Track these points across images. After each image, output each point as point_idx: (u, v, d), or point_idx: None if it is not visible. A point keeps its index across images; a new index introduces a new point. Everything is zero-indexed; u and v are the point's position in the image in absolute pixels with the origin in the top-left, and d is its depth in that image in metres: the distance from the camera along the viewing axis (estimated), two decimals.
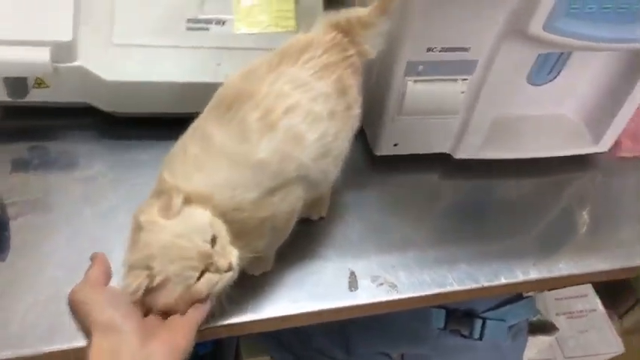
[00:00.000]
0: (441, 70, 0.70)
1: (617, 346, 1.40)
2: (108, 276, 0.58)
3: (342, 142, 0.63)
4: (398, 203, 0.78)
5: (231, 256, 0.55)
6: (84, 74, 0.71)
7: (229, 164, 0.56)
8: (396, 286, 0.70)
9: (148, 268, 0.53)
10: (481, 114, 0.75)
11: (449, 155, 0.80)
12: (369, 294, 0.69)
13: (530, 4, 0.61)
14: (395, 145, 0.77)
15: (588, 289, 1.48)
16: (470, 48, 0.68)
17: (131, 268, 0.54)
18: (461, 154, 0.80)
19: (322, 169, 0.61)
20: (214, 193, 0.55)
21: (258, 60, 0.61)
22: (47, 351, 0.60)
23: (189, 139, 0.58)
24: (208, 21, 0.76)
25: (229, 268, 0.54)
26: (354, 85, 0.63)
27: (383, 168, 0.80)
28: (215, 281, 0.54)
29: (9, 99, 0.72)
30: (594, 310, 1.46)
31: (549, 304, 1.45)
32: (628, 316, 1.45)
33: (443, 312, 0.92)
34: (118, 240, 0.67)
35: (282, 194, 0.58)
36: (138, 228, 0.55)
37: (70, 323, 0.61)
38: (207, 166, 0.56)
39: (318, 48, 0.61)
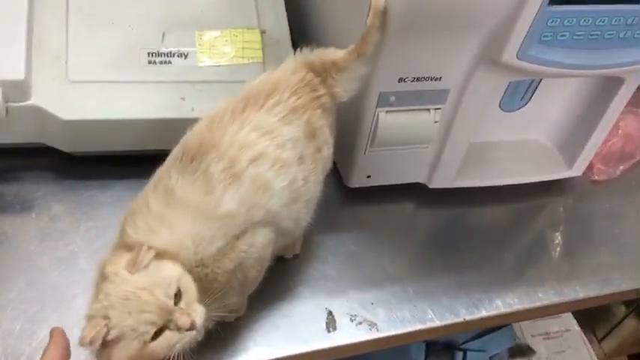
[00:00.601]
0: (413, 101, 0.68)
1: None
2: (67, 358, 0.54)
3: (313, 185, 0.60)
4: (373, 236, 0.76)
5: (195, 314, 0.51)
6: (39, 113, 0.67)
7: (193, 218, 0.53)
8: (375, 324, 0.67)
9: (106, 318, 0.49)
10: (454, 142, 0.73)
11: (423, 185, 0.78)
12: (348, 334, 0.66)
13: (502, 33, 0.60)
14: (368, 176, 0.75)
15: None
16: (442, 77, 0.67)
17: (90, 317, 0.50)
18: (435, 184, 0.78)
19: (293, 217, 0.59)
20: (179, 250, 0.52)
21: (222, 105, 0.59)
22: None
23: (151, 192, 0.55)
24: (170, 54, 0.73)
25: (191, 327, 0.50)
26: (324, 125, 0.61)
27: (356, 200, 0.77)
28: (174, 341, 0.50)
29: None
30: (569, 330, 1.46)
31: (524, 326, 1.44)
32: (607, 339, 1.44)
33: (423, 345, 0.89)
34: (79, 286, 0.64)
35: (247, 238, 0.55)
36: (102, 278, 0.51)
37: None
38: (171, 221, 0.53)
39: (286, 90, 0.59)
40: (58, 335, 0.54)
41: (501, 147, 0.83)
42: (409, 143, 0.72)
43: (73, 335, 0.59)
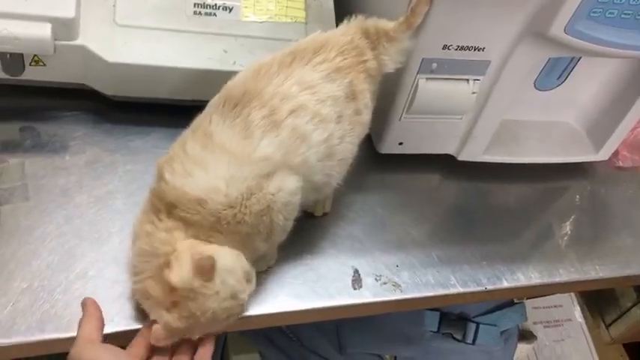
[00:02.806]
0: (454, 69, 0.69)
1: (592, 357, 1.42)
2: (101, 330, 0.55)
3: (348, 146, 0.62)
4: (400, 202, 0.77)
5: (253, 279, 0.58)
6: (85, 54, 0.68)
7: (229, 161, 0.55)
8: (399, 285, 0.69)
9: None
10: (488, 116, 0.74)
11: (451, 156, 0.80)
12: (373, 293, 0.68)
13: (552, 6, 0.61)
14: (400, 144, 0.76)
15: (565, 298, 1.50)
16: (485, 48, 0.67)
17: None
18: (464, 157, 0.79)
19: (326, 172, 0.61)
20: (210, 194, 0.54)
21: (270, 57, 0.60)
22: (37, 340, 0.57)
23: (189, 137, 0.57)
24: (216, 6, 0.73)
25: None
26: (366, 90, 0.62)
27: (385, 165, 0.78)
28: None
29: (4, 75, 0.68)
30: (570, 320, 1.48)
31: (527, 313, 1.46)
32: (615, 325, 1.46)
33: (437, 314, 0.91)
34: (115, 225, 0.65)
35: (276, 182, 0.56)
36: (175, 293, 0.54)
37: (62, 313, 0.58)
38: (207, 163, 0.55)
39: (332, 50, 0.60)
40: (91, 307, 0.55)
41: (531, 126, 0.84)
42: (445, 113, 0.73)
43: (106, 275, 0.61)
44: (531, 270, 0.74)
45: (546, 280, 0.74)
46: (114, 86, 0.71)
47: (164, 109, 0.74)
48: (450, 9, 0.63)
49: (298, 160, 0.57)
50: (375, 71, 0.63)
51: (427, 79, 0.69)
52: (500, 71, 0.70)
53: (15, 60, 0.67)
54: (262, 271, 0.64)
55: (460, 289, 0.71)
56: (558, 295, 1.46)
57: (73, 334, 0.55)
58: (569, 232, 0.80)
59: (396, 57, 0.64)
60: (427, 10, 0.62)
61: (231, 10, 0.74)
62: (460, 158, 0.79)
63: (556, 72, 0.78)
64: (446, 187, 0.82)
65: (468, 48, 0.67)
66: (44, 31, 0.65)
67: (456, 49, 0.67)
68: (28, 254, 0.61)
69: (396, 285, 0.69)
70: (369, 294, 0.68)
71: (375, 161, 0.78)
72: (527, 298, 1.01)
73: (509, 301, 0.96)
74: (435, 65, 0.68)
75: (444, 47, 0.67)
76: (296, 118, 0.57)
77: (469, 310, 0.93)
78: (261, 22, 0.74)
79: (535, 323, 1.46)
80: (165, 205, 0.55)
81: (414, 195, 0.78)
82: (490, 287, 0.71)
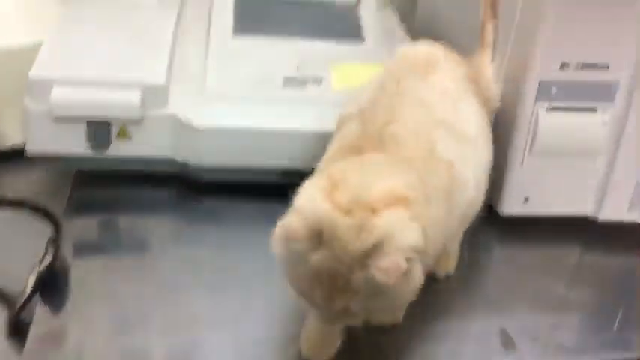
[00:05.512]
0: (576, 95, 0.61)
1: None
2: None
3: None
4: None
5: None
6: (174, 122, 0.64)
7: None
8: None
9: None
10: (627, 155, 0.63)
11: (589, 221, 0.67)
12: None
13: None
14: (525, 199, 0.65)
15: None
16: (609, 65, 0.60)
17: None
18: (606, 215, 0.66)
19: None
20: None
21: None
22: None
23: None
24: (305, 80, 0.70)
25: None
26: None
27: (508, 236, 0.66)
28: None
29: (89, 153, 0.65)
30: None
31: None
32: None
33: None
34: None
35: None
36: None
37: None
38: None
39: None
40: None
41: None
42: (574, 152, 0.63)
43: None
44: None
45: None
46: (203, 156, 0.66)
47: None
48: (564, 15, 0.57)
49: None
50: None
51: (547, 108, 0.61)
52: (632, 93, 0.61)
53: (101, 131, 0.64)
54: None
55: None
56: None
57: None
58: None
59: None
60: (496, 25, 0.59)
61: (321, 81, 0.71)
62: (602, 217, 0.66)
63: None
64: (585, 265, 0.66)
65: (590, 66, 0.60)
66: (133, 96, 0.63)
67: (576, 69, 0.60)
68: None
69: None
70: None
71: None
72: None
73: None
74: (554, 90, 0.61)
75: (562, 66, 0.60)
76: None
77: None
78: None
79: None
80: None
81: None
82: None
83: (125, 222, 0.65)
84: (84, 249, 0.60)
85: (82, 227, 0.63)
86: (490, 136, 0.57)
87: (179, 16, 0.75)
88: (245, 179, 0.67)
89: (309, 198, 0.41)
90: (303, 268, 0.40)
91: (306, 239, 0.39)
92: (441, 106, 0.51)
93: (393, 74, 0.54)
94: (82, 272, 0.57)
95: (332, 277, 0.39)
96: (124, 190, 0.68)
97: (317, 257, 0.39)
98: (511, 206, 0.65)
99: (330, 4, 0.80)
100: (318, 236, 0.39)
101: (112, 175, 0.67)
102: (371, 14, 0.80)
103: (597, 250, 0.67)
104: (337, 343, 0.49)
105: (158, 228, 0.65)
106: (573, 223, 0.66)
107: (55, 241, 0.57)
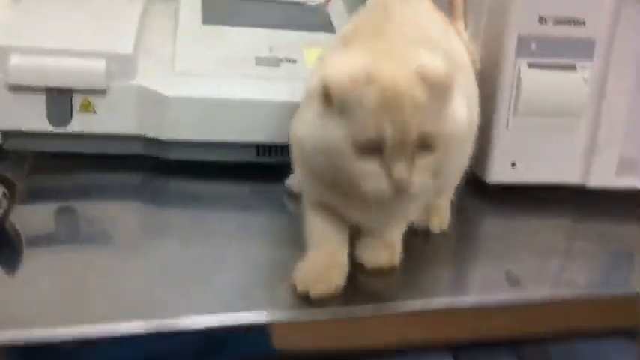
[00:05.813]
0: (556, 51, 0.60)
1: None
2: None
3: None
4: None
5: None
6: (142, 94, 0.60)
7: None
8: None
9: None
10: (611, 114, 0.62)
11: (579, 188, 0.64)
12: None
13: None
14: (513, 165, 0.63)
15: None
16: (585, 21, 0.60)
17: None
18: (595, 181, 0.64)
19: None
20: None
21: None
22: None
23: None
24: (278, 60, 0.68)
25: None
26: None
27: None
28: None
29: (49, 128, 0.60)
30: None
31: None
32: None
33: None
34: None
35: None
36: None
37: None
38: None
39: None
40: None
41: None
42: (558, 112, 0.62)
43: None
44: None
45: None
46: (173, 130, 0.61)
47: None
48: None
49: None
50: None
51: (529, 64, 0.60)
52: (610, 54, 0.61)
53: (62, 104, 0.59)
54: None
55: None
56: None
57: None
58: None
59: None
60: None
61: (295, 62, 0.69)
62: (590, 184, 0.64)
63: None
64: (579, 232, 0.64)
65: (567, 21, 0.60)
66: (97, 64, 0.59)
67: (554, 24, 0.59)
68: None
69: None
70: None
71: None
72: None
73: None
74: (534, 46, 0.60)
75: (540, 20, 0.59)
76: None
77: None
78: None
79: None
80: None
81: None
82: None
83: (85, 209, 0.59)
84: (38, 239, 0.54)
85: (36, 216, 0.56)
86: (475, 81, 0.55)
87: (145, 8, 0.73)
88: (215, 158, 0.63)
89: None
90: (365, 110, 0.40)
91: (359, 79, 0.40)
92: (433, 27, 0.49)
93: (378, 2, 0.52)
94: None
95: (397, 100, 0.39)
96: (85, 175, 0.62)
97: (375, 88, 0.40)
98: (498, 173, 0.63)
99: (300, 4, 0.80)
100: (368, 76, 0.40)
101: (73, 156, 0.62)
102: (340, 13, 0.80)
103: (591, 216, 0.64)
104: (336, 280, 0.44)
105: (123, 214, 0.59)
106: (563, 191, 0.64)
107: (10, 197, 0.51)
